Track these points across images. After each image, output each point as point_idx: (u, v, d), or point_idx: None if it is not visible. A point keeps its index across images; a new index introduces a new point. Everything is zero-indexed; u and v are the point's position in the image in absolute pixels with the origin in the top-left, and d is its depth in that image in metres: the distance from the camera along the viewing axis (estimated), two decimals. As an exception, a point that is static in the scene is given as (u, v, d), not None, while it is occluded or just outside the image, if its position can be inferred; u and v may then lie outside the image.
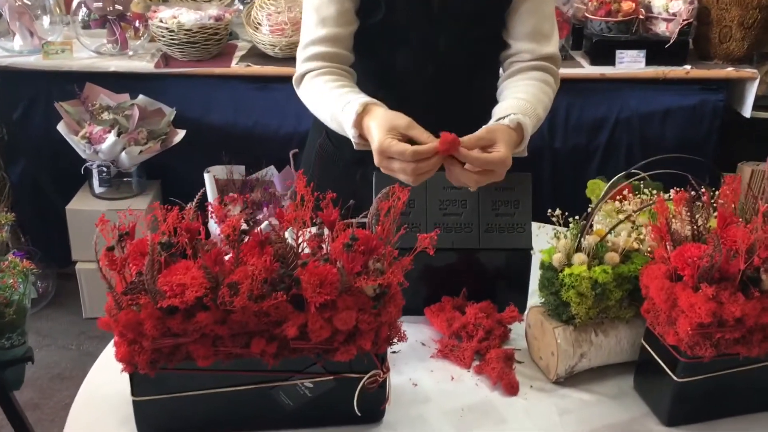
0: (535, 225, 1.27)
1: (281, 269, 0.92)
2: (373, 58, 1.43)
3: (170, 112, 2.60)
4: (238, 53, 2.74)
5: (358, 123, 1.21)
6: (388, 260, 0.98)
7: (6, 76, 2.62)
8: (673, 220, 1.06)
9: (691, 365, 1.01)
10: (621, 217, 1.14)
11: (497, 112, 1.28)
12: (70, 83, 2.56)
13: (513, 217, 1.24)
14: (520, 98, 1.29)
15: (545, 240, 1.17)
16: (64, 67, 2.59)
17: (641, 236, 1.13)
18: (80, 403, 1.07)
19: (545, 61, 1.38)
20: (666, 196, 1.20)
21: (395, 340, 1.00)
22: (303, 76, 1.37)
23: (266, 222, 2.78)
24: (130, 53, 2.70)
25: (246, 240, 0.97)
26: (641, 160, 2.70)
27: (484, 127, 1.20)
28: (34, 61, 2.61)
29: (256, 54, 2.71)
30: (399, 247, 1.02)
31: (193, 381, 0.98)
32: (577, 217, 1.13)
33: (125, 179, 2.65)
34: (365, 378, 1.00)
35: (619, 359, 1.15)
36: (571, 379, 1.13)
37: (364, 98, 1.23)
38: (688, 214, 1.03)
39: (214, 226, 2.62)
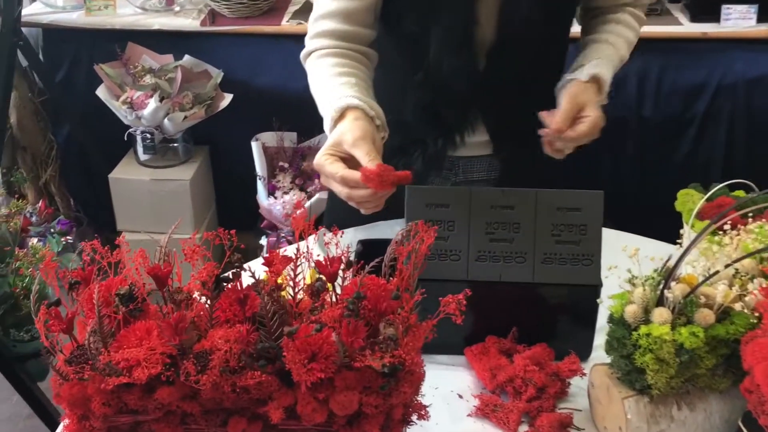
0: (610, 244, 1.01)
1: (260, 342, 0.72)
2: (404, 35, 1.21)
3: (217, 75, 2.41)
4: (291, 9, 2.52)
5: (334, 124, 1.06)
6: (405, 324, 0.76)
7: (49, 36, 2.49)
8: (794, 274, 0.79)
9: (808, 473, 0.75)
10: (719, 261, 0.87)
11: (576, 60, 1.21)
12: (113, 43, 2.40)
13: (578, 246, 0.99)
14: (600, 41, 1.23)
15: (616, 276, 0.91)
16: (107, 24, 2.44)
17: (745, 287, 0.86)
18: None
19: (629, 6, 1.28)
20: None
21: (414, 419, 0.79)
22: (309, 54, 1.19)
23: (318, 195, 2.60)
24: (176, 8, 2.51)
25: (224, 291, 0.77)
26: (745, 135, 2.35)
27: (564, 95, 1.13)
28: (77, 18, 2.46)
29: (309, 10, 2.46)
30: (427, 278, 0.81)
31: (165, 458, 0.80)
32: (661, 258, 0.88)
33: (171, 145, 2.50)
34: (374, 468, 0.79)
35: (708, 436, 0.91)
36: (643, 459, 0.90)
37: (347, 100, 1.06)
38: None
39: (266, 200, 2.46)
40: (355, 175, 0.97)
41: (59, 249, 2.30)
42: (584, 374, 0.99)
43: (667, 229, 1.34)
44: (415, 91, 1.26)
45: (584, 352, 1.04)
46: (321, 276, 0.78)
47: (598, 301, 0.96)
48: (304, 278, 0.82)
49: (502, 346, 1.03)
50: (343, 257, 0.78)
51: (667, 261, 0.88)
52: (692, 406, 0.88)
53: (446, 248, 0.99)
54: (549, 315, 1.04)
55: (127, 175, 2.48)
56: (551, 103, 1.17)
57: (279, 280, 0.81)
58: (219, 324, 0.75)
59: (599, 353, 1.04)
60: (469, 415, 0.98)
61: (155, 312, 0.77)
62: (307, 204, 2.43)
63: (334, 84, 1.11)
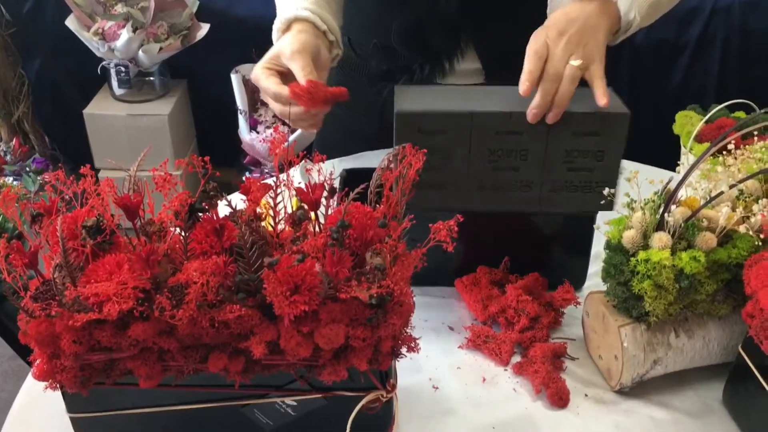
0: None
1: (238, 274, 0.67)
2: None
3: (192, 3, 2.31)
4: (268, -68, 2.38)
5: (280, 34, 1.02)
6: (393, 253, 0.71)
7: (13, -38, 2.36)
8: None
9: (810, 398, 0.73)
10: (723, 182, 0.82)
11: None
12: (81, -30, 2.28)
13: (592, 173, 0.90)
14: None
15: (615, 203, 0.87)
16: (74, -51, 2.31)
17: (749, 209, 0.82)
18: (19, 406, 0.88)
19: None
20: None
21: (404, 351, 0.76)
22: None
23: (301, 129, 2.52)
24: (148, -67, 2.38)
25: (199, 221, 0.72)
26: (739, 59, 2.28)
27: (531, 39, 0.94)
28: (42, -56, 2.33)
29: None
30: (419, 208, 0.76)
31: (143, 397, 0.77)
32: (661, 181, 0.83)
33: (147, 79, 2.41)
34: (362, 402, 0.76)
35: (705, 363, 0.88)
36: (639, 387, 0.87)
37: (295, 11, 1.01)
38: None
39: (247, 135, 2.38)
40: (279, 90, 0.93)
41: (36, 188, 2.23)
42: (578, 303, 0.96)
43: (661, 157, 1.30)
44: (400, 14, 1.20)
45: (578, 281, 1.01)
46: (303, 204, 0.73)
47: (594, 227, 0.92)
48: (286, 208, 0.77)
49: (494, 276, 1.00)
50: (326, 184, 0.73)
51: (668, 183, 0.84)
52: (690, 333, 0.85)
53: (440, 180, 0.92)
54: (542, 244, 1.00)
55: (103, 111, 2.39)
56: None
57: (259, 210, 0.76)
58: (194, 256, 0.71)
59: (593, 281, 1.01)
60: (460, 346, 0.95)
61: (126, 245, 0.72)
62: (292, 137, 2.36)
63: None
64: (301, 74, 0.93)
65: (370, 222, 0.71)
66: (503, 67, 1.19)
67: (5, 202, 0.70)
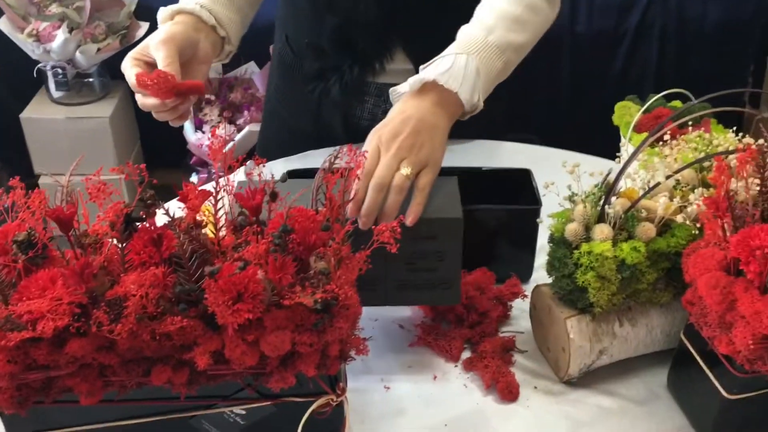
0: (548, 162, 0.96)
1: (178, 285, 0.65)
2: None
3: (130, 2, 2.25)
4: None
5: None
6: (337, 256, 0.71)
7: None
8: (736, 182, 0.77)
9: (748, 381, 0.75)
10: (660, 173, 0.84)
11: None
12: (12, -31, 2.20)
13: (434, 273, 0.88)
14: (474, 21, 0.99)
15: (555, 194, 0.88)
16: (3, -51, 2.22)
17: (686, 198, 0.84)
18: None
19: None
20: (728, 139, 0.89)
21: (352, 354, 0.75)
22: None
23: (248, 128, 2.49)
24: (80, -70, 2.31)
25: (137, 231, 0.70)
26: (676, 47, 2.33)
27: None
28: (-32, -57, 2.24)
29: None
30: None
31: (85, 414, 0.74)
32: (601, 173, 0.84)
33: (86, 80, 2.34)
34: (312, 406, 0.75)
35: (649, 350, 0.90)
36: (587, 377, 0.89)
37: (182, 4, 1.02)
38: (761, 181, 0.74)
39: (193, 136, 2.34)
40: (131, 78, 0.94)
41: (-29, 197, 2.14)
42: (526, 296, 0.97)
43: (602, 146, 1.32)
44: (328, 15, 1.19)
45: (525, 274, 1.01)
46: (243, 210, 0.72)
47: (538, 221, 0.93)
48: (227, 215, 0.76)
49: (442, 272, 1.00)
50: (266, 188, 0.72)
51: (607, 175, 0.85)
52: (634, 322, 0.87)
53: None
54: (488, 238, 1.00)
55: (40, 114, 2.32)
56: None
57: (199, 218, 0.74)
58: (133, 268, 0.69)
59: (539, 274, 1.02)
60: (410, 345, 0.95)
61: (59, 259, 0.70)
62: (238, 137, 2.32)
63: None
64: (161, 65, 0.93)
65: (313, 225, 0.70)
66: None
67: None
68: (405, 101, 0.91)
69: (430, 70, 0.91)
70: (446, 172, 0.92)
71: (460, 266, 0.88)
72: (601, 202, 0.82)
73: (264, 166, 0.74)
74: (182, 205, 0.73)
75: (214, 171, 2.39)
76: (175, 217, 0.69)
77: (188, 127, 2.35)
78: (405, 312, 0.99)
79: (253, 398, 0.75)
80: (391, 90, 0.96)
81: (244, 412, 0.77)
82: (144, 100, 0.95)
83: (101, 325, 0.64)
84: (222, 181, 0.74)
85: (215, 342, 0.68)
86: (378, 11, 1.13)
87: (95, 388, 0.70)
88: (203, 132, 2.34)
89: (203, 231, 0.74)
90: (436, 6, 1.16)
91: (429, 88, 0.91)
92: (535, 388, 0.89)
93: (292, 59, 1.28)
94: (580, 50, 2.34)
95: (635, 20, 2.30)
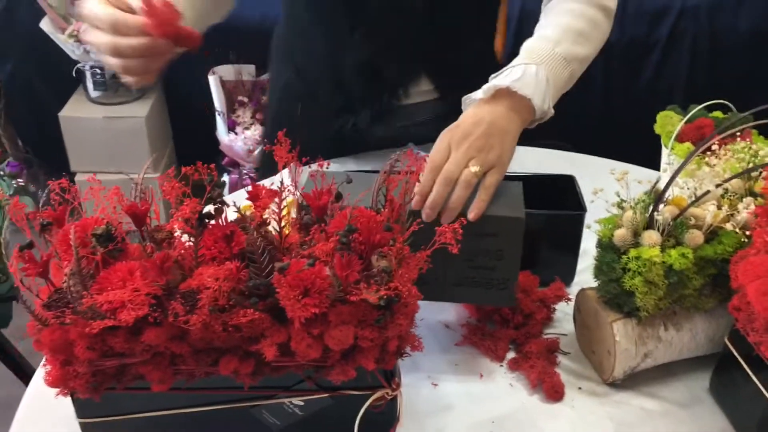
0: (589, 170, 0.99)
1: (251, 279, 0.69)
2: None
3: (169, 4, 2.29)
4: (244, -68, 2.38)
5: None
6: (399, 256, 0.73)
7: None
8: (784, 192, 0.79)
9: (794, 386, 0.77)
10: (708, 181, 0.86)
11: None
12: (55, -30, 2.25)
13: (493, 271, 0.91)
14: (539, 35, 1.00)
15: (601, 200, 0.90)
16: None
17: (734, 206, 0.86)
18: (24, 412, 0.89)
19: None
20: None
21: (408, 350, 0.78)
22: None
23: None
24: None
25: (209, 227, 0.73)
26: (707, 57, 2.34)
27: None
28: (14, -55, 2.30)
29: (263, -67, 2.34)
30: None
31: (153, 400, 0.78)
32: (649, 181, 0.87)
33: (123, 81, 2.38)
34: (369, 400, 0.78)
35: (693, 354, 0.92)
36: (630, 380, 0.91)
37: None
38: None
39: (226, 137, 2.38)
40: (131, 18, 0.79)
41: (11, 192, 2.21)
42: (570, 300, 0.99)
43: (634, 153, 1.34)
44: (353, 50, 1.20)
45: (567, 278, 1.04)
46: (309, 209, 0.75)
47: (585, 226, 0.95)
48: (289, 213, 0.79)
49: (487, 274, 1.02)
50: (331, 189, 0.75)
51: (656, 184, 0.87)
52: (678, 326, 0.89)
53: None
54: (532, 242, 1.03)
55: (78, 113, 2.37)
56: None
57: (265, 216, 0.77)
58: (204, 262, 0.72)
59: (580, 277, 1.04)
60: (456, 344, 0.97)
61: (136, 252, 0.73)
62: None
63: None
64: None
65: (376, 226, 0.73)
66: (457, 85, 1.11)
67: (15, 211, 0.71)
68: (478, 106, 0.93)
69: (503, 79, 0.94)
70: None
71: (518, 267, 0.90)
72: (650, 209, 0.84)
73: (328, 167, 0.77)
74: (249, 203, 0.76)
75: (245, 171, 2.42)
76: (245, 214, 0.72)
77: (221, 127, 2.39)
78: (450, 313, 1.02)
79: (313, 390, 0.78)
80: (464, 98, 0.98)
81: (302, 403, 0.80)
82: (121, 42, 0.80)
83: (177, 315, 0.68)
84: (287, 181, 0.77)
85: (282, 334, 0.71)
86: (404, 41, 1.15)
87: (166, 375, 0.73)
88: (236, 133, 2.38)
89: (269, 229, 0.77)
90: (458, 28, 1.19)
91: (502, 94, 0.93)
92: (580, 389, 0.91)
93: (303, 91, 1.29)
94: (612, 58, 2.36)
95: (666, 30, 2.32)
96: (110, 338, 0.70)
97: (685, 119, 1.09)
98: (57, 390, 0.73)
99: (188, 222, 0.72)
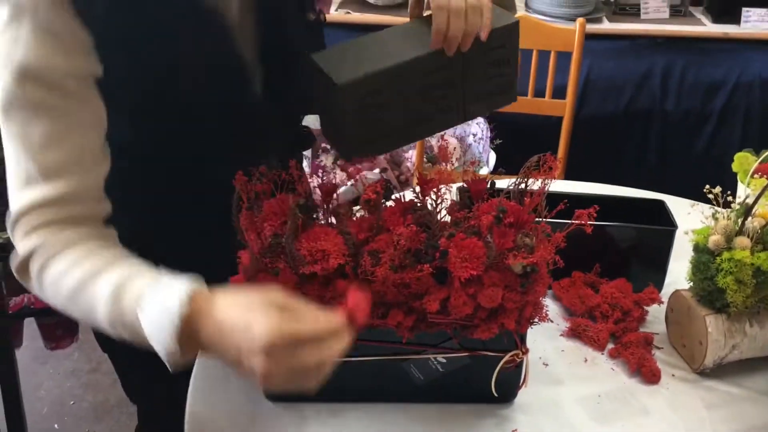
0: (681, 200, 1.16)
1: (428, 240, 0.86)
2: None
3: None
4: (337, -1, 2.65)
5: (187, 325, 0.71)
6: (539, 235, 0.90)
7: None
8: None
9: None
10: (790, 198, 1.02)
11: None
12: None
13: (503, 78, 1.01)
14: None
15: (686, 214, 1.06)
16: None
17: (812, 221, 1.02)
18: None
19: None
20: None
21: (536, 320, 0.93)
22: (27, 262, 0.81)
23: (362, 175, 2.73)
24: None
25: (387, 206, 0.91)
26: (759, 130, 2.52)
27: None
28: None
29: (355, 0, 2.61)
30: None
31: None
32: (737, 197, 1.03)
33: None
34: (504, 358, 0.93)
35: (773, 352, 1.06)
36: (717, 370, 1.04)
37: (177, 287, 0.73)
38: None
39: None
40: (328, 319, 0.71)
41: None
42: (662, 302, 1.14)
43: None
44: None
45: (658, 284, 1.18)
46: (468, 193, 0.92)
47: (683, 232, 1.11)
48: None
49: (587, 279, 1.18)
50: (487, 179, 0.92)
51: (745, 199, 1.03)
52: (762, 324, 1.03)
53: (380, 130, 0.97)
54: (628, 255, 1.18)
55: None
56: None
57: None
58: (384, 230, 0.89)
59: (666, 290, 1.19)
60: (561, 334, 1.12)
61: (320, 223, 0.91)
62: (341, 190, 2.55)
63: (112, 282, 0.77)
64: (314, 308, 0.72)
65: (522, 209, 0.90)
66: None
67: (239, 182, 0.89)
68: None
69: None
70: (586, 198, 1.12)
71: (518, 66, 1.01)
72: (742, 219, 1.00)
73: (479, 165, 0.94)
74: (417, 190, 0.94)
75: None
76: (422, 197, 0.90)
77: (305, 170, 2.59)
78: (552, 311, 1.17)
79: (456, 349, 0.94)
80: None
81: (444, 361, 0.95)
82: (332, 348, 0.71)
83: (366, 270, 0.84)
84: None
85: (442, 293, 0.87)
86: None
87: (345, 323, 0.89)
88: (319, 178, 2.58)
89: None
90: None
91: None
92: (673, 375, 1.05)
93: None
94: (667, 127, 2.54)
95: (721, 102, 2.50)
96: (307, 287, 0.87)
97: (760, 159, 1.25)
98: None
99: (368, 202, 0.90)
